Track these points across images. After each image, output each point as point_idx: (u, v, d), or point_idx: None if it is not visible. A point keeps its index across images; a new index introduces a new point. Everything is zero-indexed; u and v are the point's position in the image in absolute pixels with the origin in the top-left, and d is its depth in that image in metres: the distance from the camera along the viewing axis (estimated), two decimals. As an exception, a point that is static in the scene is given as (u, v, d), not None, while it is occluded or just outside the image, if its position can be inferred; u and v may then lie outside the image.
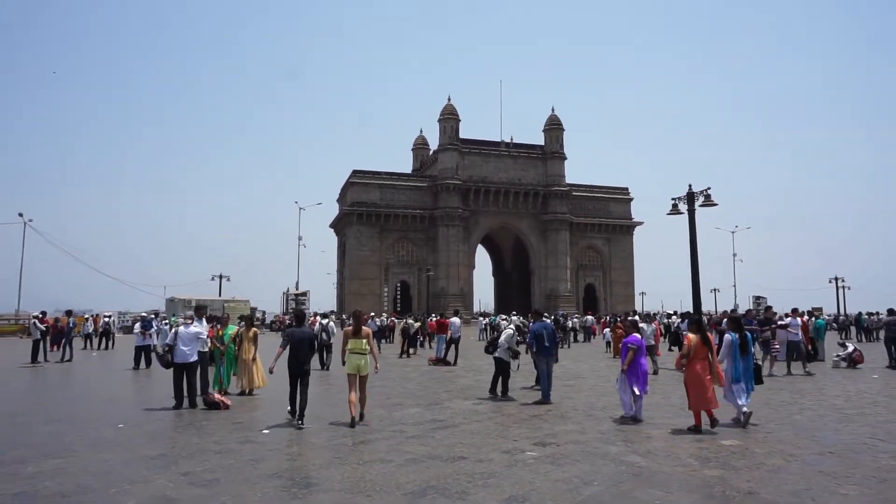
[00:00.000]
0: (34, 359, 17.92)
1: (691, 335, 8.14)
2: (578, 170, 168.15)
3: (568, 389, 11.33)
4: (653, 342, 15.91)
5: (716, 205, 17.19)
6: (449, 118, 60.55)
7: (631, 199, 68.98)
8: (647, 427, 8.02)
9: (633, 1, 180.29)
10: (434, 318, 25.02)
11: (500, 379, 10.88)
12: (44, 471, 5.91)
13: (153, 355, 15.85)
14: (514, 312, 32.85)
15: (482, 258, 77.67)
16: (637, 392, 8.38)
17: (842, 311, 53.14)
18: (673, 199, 17.74)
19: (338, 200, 69.72)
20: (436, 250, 59.63)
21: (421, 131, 76.91)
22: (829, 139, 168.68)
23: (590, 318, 32.78)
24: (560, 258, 62.00)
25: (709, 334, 8.30)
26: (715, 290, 68.27)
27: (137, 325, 17.56)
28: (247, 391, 10.98)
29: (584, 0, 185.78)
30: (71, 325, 20.57)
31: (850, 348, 16.08)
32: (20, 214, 43.05)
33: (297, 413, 8.23)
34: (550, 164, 62.78)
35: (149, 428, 8.04)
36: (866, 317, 32.54)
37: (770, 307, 14.80)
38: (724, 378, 8.18)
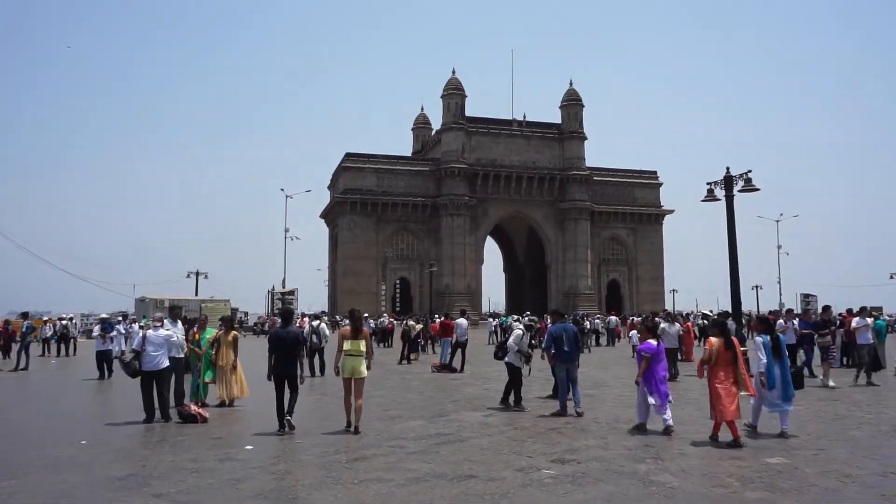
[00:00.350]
0: (-18, 368, 17.99)
1: (713, 339, 8.21)
2: (600, 152, 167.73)
3: (589, 399, 11.30)
4: (677, 345, 15.95)
5: (757, 189, 17.02)
6: (453, 94, 60.37)
7: (660, 185, 68.77)
8: (679, 442, 7.98)
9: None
10: (438, 320, 24.99)
11: (513, 387, 10.87)
12: (-3, 493, 5.91)
13: (117, 363, 15.84)
14: (528, 313, 32.79)
15: (492, 252, 77.69)
16: (653, 402, 8.47)
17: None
18: (708, 183, 17.55)
19: (329, 187, 69.74)
20: (439, 243, 59.64)
21: (422, 109, 76.82)
22: (886, 116, 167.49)
23: (613, 318, 32.77)
24: (579, 251, 61.92)
25: (733, 337, 8.37)
26: (757, 286, 67.89)
27: (97, 329, 17.57)
28: (227, 402, 10.98)
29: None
30: (25, 329, 20.63)
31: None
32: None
33: (287, 411, 8.57)
34: (568, 144, 62.58)
35: (116, 445, 8.04)
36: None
37: (828, 307, 14.57)
38: (759, 385, 8.27)
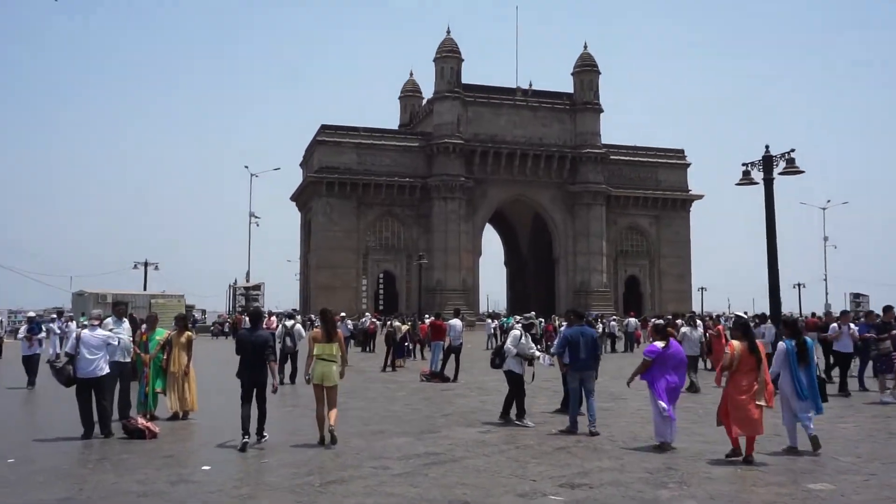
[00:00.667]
0: None
1: (735, 343, 8.36)
2: (618, 126, 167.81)
3: (604, 414, 11.32)
4: (697, 353, 16.03)
5: (801, 172, 17.07)
6: (448, 56, 60.18)
7: (687, 165, 68.90)
8: (705, 464, 8.01)
9: None
10: (427, 320, 24.95)
11: (515, 399, 10.87)
12: None
13: (49, 369, 15.63)
14: (532, 313, 32.85)
15: (491, 242, 77.71)
16: (665, 406, 8.71)
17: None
18: (744, 164, 17.61)
19: (302, 165, 69.39)
20: (430, 231, 59.63)
21: (411, 75, 76.44)
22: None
23: (632, 320, 32.89)
24: (593, 242, 62.07)
25: (759, 342, 8.51)
26: (799, 285, 68.37)
27: (23, 329, 17.42)
28: (179, 415, 10.95)
29: None
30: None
31: None
32: None
33: (256, 428, 8.77)
34: (581, 118, 62.58)
35: (49, 463, 7.99)
36: None
37: (891, 307, 14.46)
38: (781, 396, 8.54)
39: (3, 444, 9.11)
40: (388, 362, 20.65)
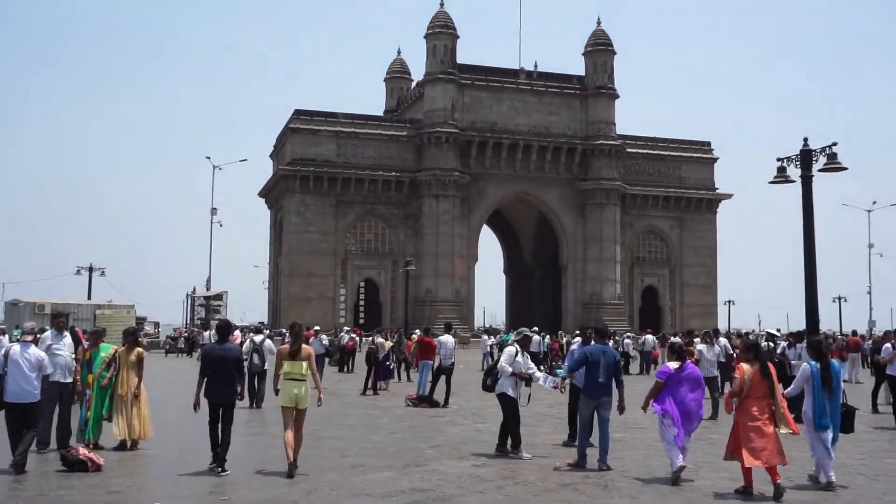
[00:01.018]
0: None
1: (745, 366, 8.63)
2: (635, 115, 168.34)
3: (616, 445, 11.33)
4: (715, 373, 16.15)
5: (844, 169, 17.17)
6: (441, 33, 60.31)
7: (714, 160, 69.19)
8: (727, 500, 8.01)
9: None
10: (415, 337, 24.89)
11: (508, 426, 10.88)
12: None
13: None
14: (536, 328, 32.85)
15: (489, 247, 77.57)
16: (675, 441, 8.99)
17: None
18: (780, 159, 17.69)
19: (272, 156, 69.29)
20: (419, 233, 59.67)
21: (399, 53, 76.63)
22: None
23: (649, 337, 32.90)
24: (606, 247, 62.23)
25: (770, 364, 8.83)
26: (840, 298, 68.69)
27: None
28: (128, 444, 10.91)
29: None
30: None
31: None
32: None
33: (218, 457, 9.02)
34: (594, 104, 62.79)
35: (-25, 499, 7.95)
36: None
37: None
38: (805, 422, 8.82)
39: (-77, 477, 9.04)
40: (370, 384, 20.63)
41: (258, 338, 17.41)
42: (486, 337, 35.80)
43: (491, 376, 11.25)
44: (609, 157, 62.43)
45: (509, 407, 10.81)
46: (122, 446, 10.87)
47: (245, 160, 57.88)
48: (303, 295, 57.45)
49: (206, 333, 41.83)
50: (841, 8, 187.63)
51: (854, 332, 34.46)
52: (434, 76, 59.67)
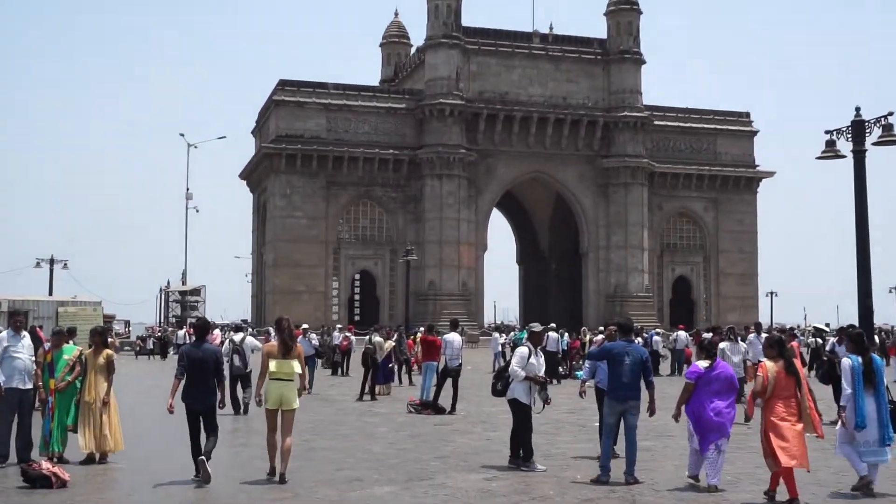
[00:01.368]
0: None
1: (768, 363, 8.76)
2: (664, 83, 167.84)
3: (645, 455, 11.34)
4: (741, 374, 16.21)
5: (902, 141, 17.08)
6: (444, -9, 60.13)
7: (754, 133, 68.99)
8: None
9: None
10: (417, 335, 24.88)
11: (520, 435, 10.90)
12: None
13: None
14: (553, 325, 32.83)
15: (499, 233, 77.59)
16: (694, 446, 9.22)
17: None
18: (828, 131, 17.63)
19: (254, 132, 69.27)
20: (420, 219, 59.67)
21: (396, 15, 76.58)
22: None
23: (681, 334, 32.89)
24: (632, 233, 62.16)
25: (796, 361, 8.99)
26: (896, 289, 68.54)
27: None
28: (96, 457, 10.94)
29: None
30: None
31: None
32: None
33: (204, 456, 9.19)
34: (617, 71, 62.63)
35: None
36: None
37: None
38: (847, 422, 8.83)
39: None
40: (366, 389, 20.64)
41: (238, 336, 17.40)
42: (496, 335, 35.86)
43: (501, 380, 11.24)
44: (635, 130, 62.35)
45: (521, 414, 10.82)
46: (89, 460, 10.88)
47: (224, 137, 58.19)
48: (290, 288, 57.57)
49: (181, 333, 42.00)
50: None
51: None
52: (436, 40, 59.52)
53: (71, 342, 11.39)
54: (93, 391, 10.97)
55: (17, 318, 11.21)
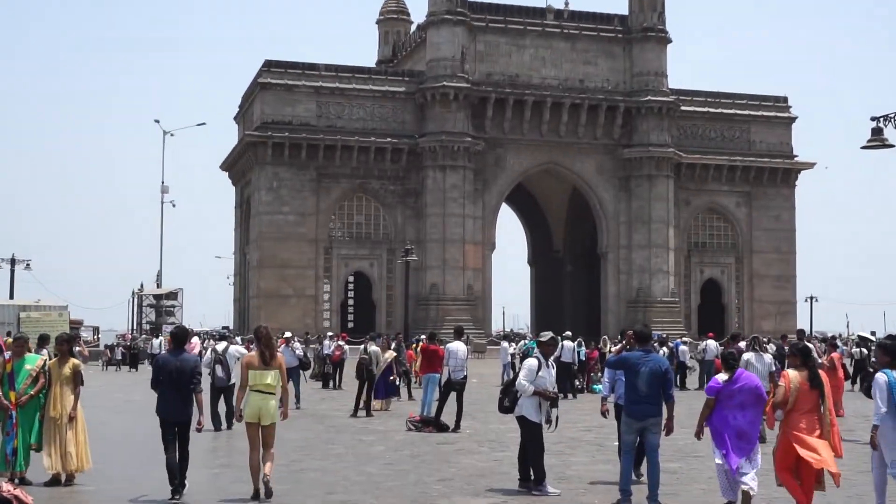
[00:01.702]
0: None
1: (791, 373, 8.82)
2: (692, 64, 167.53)
3: (669, 478, 11.37)
4: (766, 386, 16.25)
5: (955, 130, 17.09)
6: (448, -38, 60.13)
7: (792, 120, 68.81)
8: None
9: None
10: (418, 344, 24.89)
11: (530, 456, 10.94)
12: None
13: None
14: (569, 334, 32.84)
15: (509, 230, 77.54)
16: (719, 461, 9.24)
17: None
18: (874, 118, 17.62)
19: (237, 119, 69.29)
20: (421, 215, 59.67)
21: (394, -12, 76.37)
22: None
23: (711, 343, 32.84)
24: (656, 231, 62.06)
25: (821, 372, 9.03)
26: (949, 293, 68.50)
27: None
28: (62, 477, 10.97)
29: None
30: None
31: None
32: None
33: (177, 479, 9.42)
34: (640, 51, 62.53)
35: None
36: None
37: None
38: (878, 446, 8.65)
39: None
40: (361, 404, 20.65)
41: (221, 346, 17.42)
42: (505, 344, 35.84)
43: (509, 395, 11.23)
44: (659, 116, 62.27)
45: (530, 433, 10.83)
46: (55, 481, 10.90)
47: (203, 124, 58.34)
48: (277, 292, 57.59)
49: (157, 342, 42.10)
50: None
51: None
52: (439, 17, 59.38)
53: (45, 350, 11.42)
54: (58, 405, 10.97)
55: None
